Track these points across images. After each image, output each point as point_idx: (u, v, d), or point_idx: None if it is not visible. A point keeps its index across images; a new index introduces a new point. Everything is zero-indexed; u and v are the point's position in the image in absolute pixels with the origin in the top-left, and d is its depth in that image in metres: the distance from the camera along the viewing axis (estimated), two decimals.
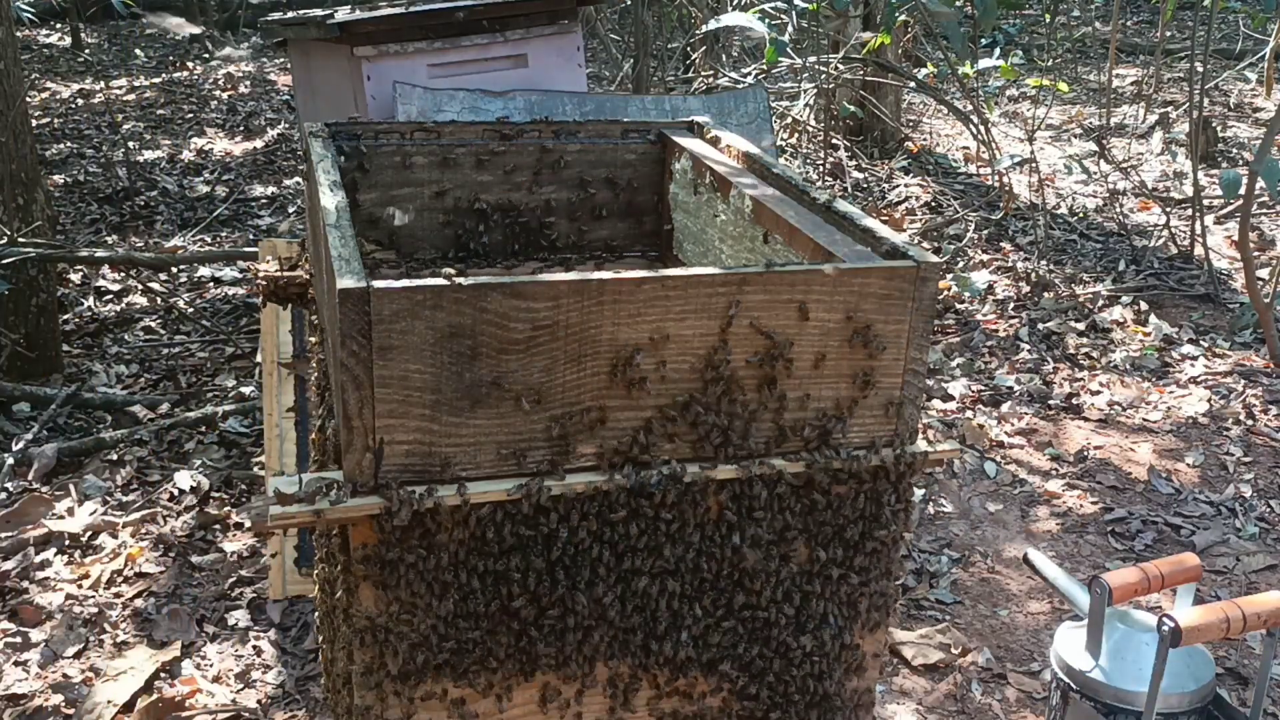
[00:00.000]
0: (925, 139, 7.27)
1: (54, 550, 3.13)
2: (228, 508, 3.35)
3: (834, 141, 6.37)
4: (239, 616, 2.89)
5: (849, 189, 6.18)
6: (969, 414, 3.95)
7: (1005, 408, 4.00)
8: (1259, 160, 4.09)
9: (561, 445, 1.37)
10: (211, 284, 5.04)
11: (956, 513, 3.41)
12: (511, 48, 3.04)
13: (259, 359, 3.49)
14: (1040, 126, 6.82)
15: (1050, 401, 4.05)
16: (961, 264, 5.26)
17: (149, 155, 6.90)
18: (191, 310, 4.73)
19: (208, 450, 3.63)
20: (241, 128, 7.64)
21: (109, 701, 2.57)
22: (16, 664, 2.71)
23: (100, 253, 4.61)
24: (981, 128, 5.58)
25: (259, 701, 2.62)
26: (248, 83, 8.99)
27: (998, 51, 6.37)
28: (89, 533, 3.19)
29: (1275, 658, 1.83)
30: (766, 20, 4.79)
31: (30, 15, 6.30)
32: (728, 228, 1.83)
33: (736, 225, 1.80)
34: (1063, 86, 6.43)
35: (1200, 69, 5.55)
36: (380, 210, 1.98)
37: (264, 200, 6.14)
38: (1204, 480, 3.58)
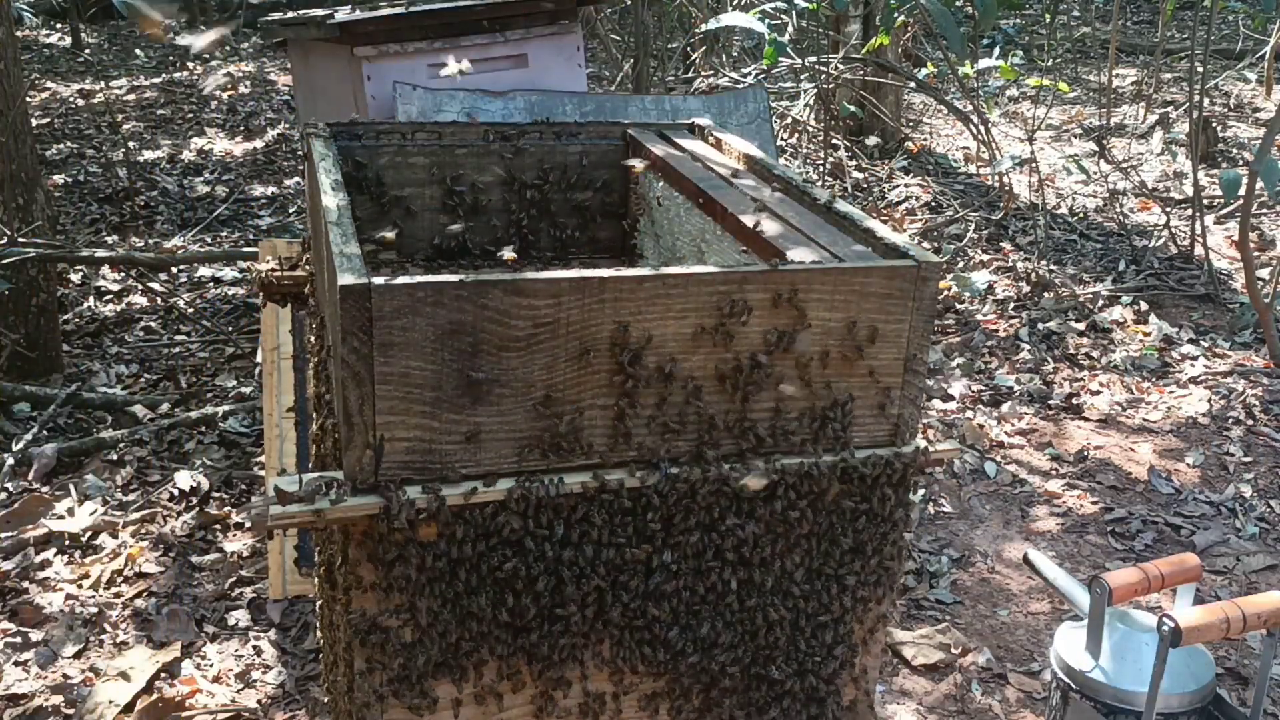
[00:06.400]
0: (925, 139, 7.27)
1: (54, 550, 3.13)
2: (228, 508, 3.35)
3: (834, 141, 6.37)
4: (239, 616, 2.89)
5: (849, 189, 6.18)
6: (969, 414, 3.95)
7: (1005, 408, 4.00)
8: (1259, 160, 4.09)
9: (562, 443, 1.37)
10: (211, 284, 5.04)
11: (956, 513, 3.41)
12: (511, 48, 3.04)
13: (259, 359, 3.49)
14: (1040, 126, 6.82)
15: (1050, 401, 4.05)
16: (961, 264, 5.26)
17: (149, 155, 6.90)
18: (191, 310, 4.73)
19: (208, 450, 3.63)
20: (241, 128, 7.64)
21: (109, 701, 2.57)
22: (16, 664, 2.71)
23: (100, 253, 4.61)
24: (981, 128, 5.58)
25: (259, 701, 2.62)
26: (248, 83, 8.99)
27: (997, 51, 6.37)
28: (89, 533, 3.19)
29: (1275, 658, 1.83)
30: (766, 20, 4.78)
31: (30, 15, 6.29)
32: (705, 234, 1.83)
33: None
34: (1063, 86, 6.43)
35: (1200, 69, 5.55)
36: (381, 211, 1.98)
37: (264, 200, 6.14)
38: (1204, 480, 3.58)
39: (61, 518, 3.25)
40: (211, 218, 5.71)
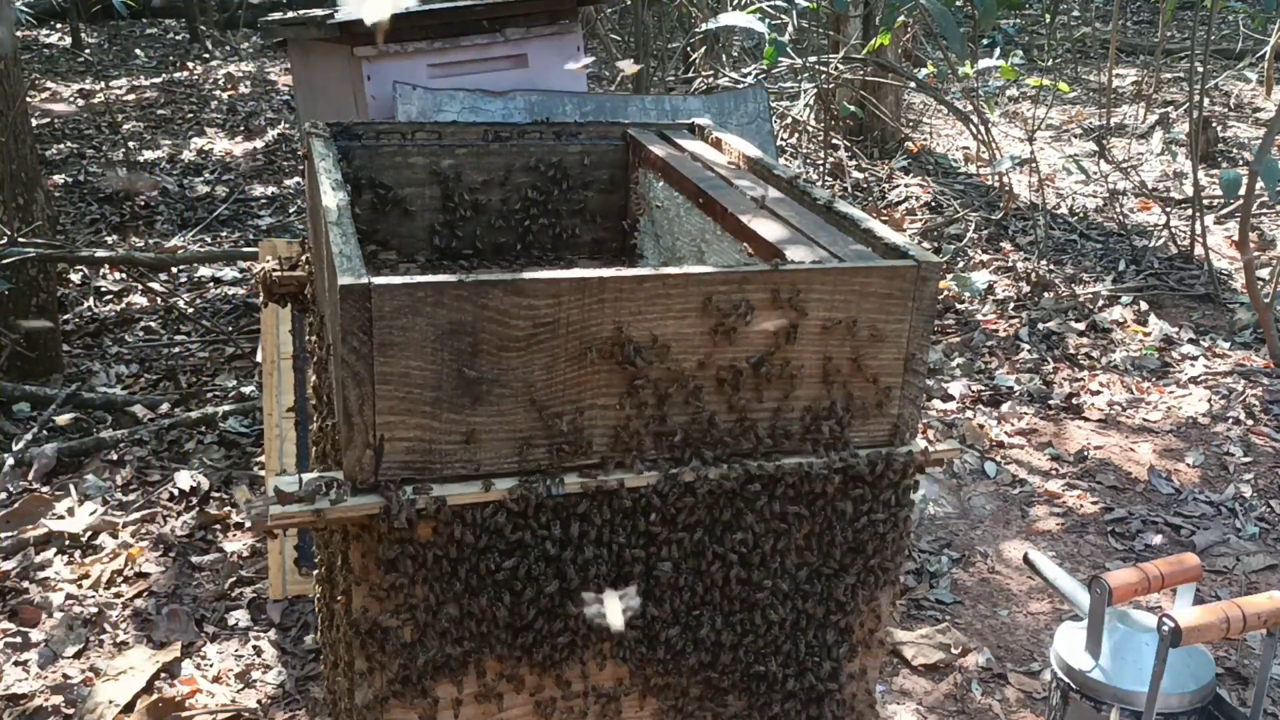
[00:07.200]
0: (925, 139, 7.27)
1: (54, 550, 3.13)
2: (228, 508, 3.34)
3: (834, 141, 6.37)
4: (239, 616, 2.89)
5: (849, 189, 6.18)
6: (969, 414, 3.95)
7: (1005, 408, 4.00)
8: (1259, 160, 4.09)
9: (562, 443, 1.37)
10: (211, 284, 5.04)
11: (956, 513, 3.41)
12: (511, 48, 3.04)
13: (259, 359, 3.49)
14: (1040, 126, 6.82)
15: (1050, 401, 4.05)
16: (961, 264, 5.26)
17: (149, 155, 6.90)
18: (191, 310, 4.73)
19: (208, 450, 3.63)
20: (242, 128, 7.64)
21: (109, 701, 2.57)
22: (16, 664, 2.71)
23: (100, 253, 4.61)
24: (981, 128, 5.58)
25: (259, 701, 2.62)
26: (248, 83, 8.99)
27: (998, 51, 6.37)
28: (89, 533, 3.19)
29: (1275, 658, 1.83)
30: (766, 20, 4.78)
31: (29, 16, 6.30)
32: (706, 234, 1.83)
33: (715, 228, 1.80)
34: (1063, 86, 6.44)
35: (1200, 69, 5.56)
36: (381, 212, 1.99)
37: (264, 200, 6.14)
38: (1204, 480, 3.58)
39: (61, 518, 3.25)
40: (211, 218, 5.71)
